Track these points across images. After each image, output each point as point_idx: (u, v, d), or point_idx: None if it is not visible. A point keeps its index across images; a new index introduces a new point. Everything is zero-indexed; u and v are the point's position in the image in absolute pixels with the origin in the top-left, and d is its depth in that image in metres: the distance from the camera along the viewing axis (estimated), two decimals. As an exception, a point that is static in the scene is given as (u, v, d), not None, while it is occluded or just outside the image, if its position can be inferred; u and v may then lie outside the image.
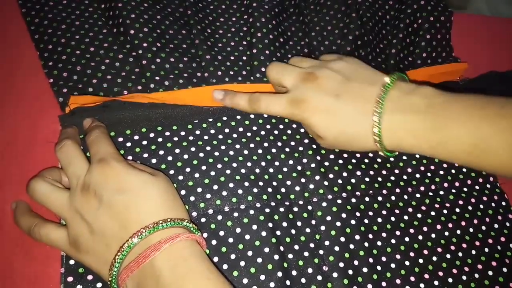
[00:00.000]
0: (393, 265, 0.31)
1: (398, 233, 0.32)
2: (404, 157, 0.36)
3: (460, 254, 0.33)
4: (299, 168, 0.33)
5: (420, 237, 0.33)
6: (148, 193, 0.26)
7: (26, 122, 0.34)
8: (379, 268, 0.31)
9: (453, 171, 0.37)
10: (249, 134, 0.34)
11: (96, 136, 0.29)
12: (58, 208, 0.27)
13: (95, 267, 0.26)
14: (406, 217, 0.33)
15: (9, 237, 0.30)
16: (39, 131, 0.34)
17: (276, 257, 0.29)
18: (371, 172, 0.34)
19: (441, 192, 0.35)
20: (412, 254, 0.32)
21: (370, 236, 0.32)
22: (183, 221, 0.26)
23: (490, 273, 0.32)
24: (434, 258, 0.32)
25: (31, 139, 0.33)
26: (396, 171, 0.35)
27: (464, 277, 0.32)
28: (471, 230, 0.34)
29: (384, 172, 0.35)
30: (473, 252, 0.33)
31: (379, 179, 0.34)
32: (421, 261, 0.32)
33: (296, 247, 0.30)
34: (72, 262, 0.28)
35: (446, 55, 0.43)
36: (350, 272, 0.30)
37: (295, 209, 0.32)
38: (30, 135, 0.34)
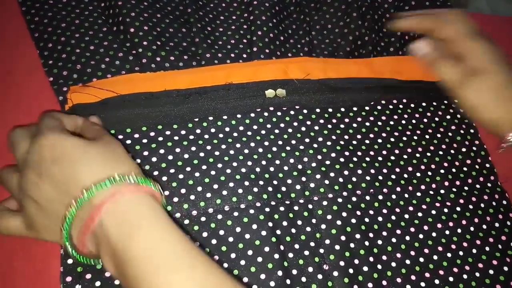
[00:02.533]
0: (393, 264, 0.31)
1: (399, 232, 0.32)
2: (405, 156, 0.36)
3: (461, 253, 0.33)
4: (299, 167, 0.33)
5: (421, 236, 0.32)
6: (85, 156, 0.25)
7: (26, 121, 0.34)
8: (379, 267, 0.31)
9: (453, 170, 0.36)
10: (249, 133, 0.34)
11: (42, 116, 0.29)
12: (12, 192, 0.27)
13: (58, 241, 0.26)
14: (407, 216, 0.33)
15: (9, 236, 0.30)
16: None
17: (276, 256, 0.29)
18: (372, 171, 0.34)
19: (442, 191, 0.35)
20: (412, 253, 0.32)
21: (371, 235, 0.32)
22: (127, 176, 0.25)
23: (491, 272, 0.32)
24: (435, 257, 0.32)
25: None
26: (397, 169, 0.35)
27: (465, 276, 0.32)
28: (472, 229, 0.34)
29: (385, 170, 0.35)
30: (474, 251, 0.33)
31: (380, 177, 0.34)
32: (422, 260, 0.32)
33: (297, 246, 0.30)
34: (70, 261, 0.28)
35: None
36: (351, 271, 0.30)
37: (296, 208, 0.32)
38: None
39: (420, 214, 0.33)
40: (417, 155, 0.36)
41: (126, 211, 0.24)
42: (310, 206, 0.32)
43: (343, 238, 0.31)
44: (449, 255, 0.32)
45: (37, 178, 0.25)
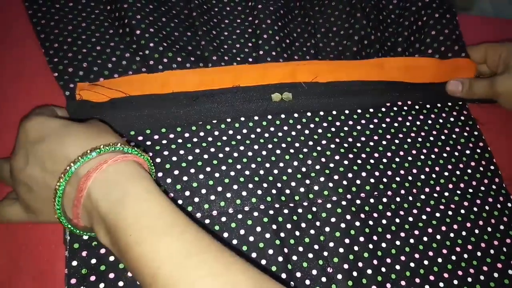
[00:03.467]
0: (397, 267, 0.31)
1: (403, 234, 0.32)
2: (410, 158, 0.36)
3: (465, 255, 0.32)
4: (303, 169, 0.33)
5: (425, 239, 0.32)
6: (69, 133, 0.25)
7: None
8: (383, 269, 0.31)
9: (458, 172, 0.36)
10: (253, 136, 0.34)
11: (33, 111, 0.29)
12: (6, 182, 0.28)
13: (56, 221, 0.26)
14: (411, 219, 0.33)
15: (15, 236, 0.30)
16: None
17: (280, 259, 0.29)
18: (377, 173, 0.34)
19: (446, 194, 0.35)
20: (417, 255, 0.32)
21: (375, 237, 0.31)
22: (112, 146, 0.25)
23: (496, 275, 0.32)
24: (439, 260, 0.32)
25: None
26: (402, 172, 0.35)
27: (469, 279, 0.32)
28: (476, 231, 0.34)
29: (389, 173, 0.35)
30: (479, 253, 0.33)
31: (385, 180, 0.34)
32: (426, 262, 0.31)
33: (301, 248, 0.30)
34: (74, 263, 0.28)
35: (458, 49, 0.42)
36: (355, 273, 0.30)
37: (300, 210, 0.32)
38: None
39: (424, 217, 0.33)
40: (422, 157, 0.36)
41: (112, 179, 0.24)
42: (314, 209, 0.32)
43: (347, 241, 0.31)
44: (453, 258, 0.32)
45: (24, 161, 0.25)
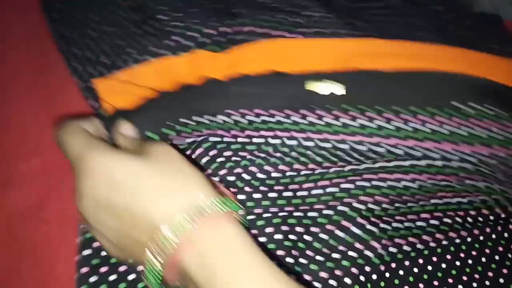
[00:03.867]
0: (401, 272, 0.31)
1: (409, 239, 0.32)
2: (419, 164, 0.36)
3: (470, 261, 0.32)
4: (317, 171, 0.33)
5: (431, 244, 0.32)
6: (147, 182, 0.23)
7: (35, 123, 0.34)
8: (387, 275, 0.30)
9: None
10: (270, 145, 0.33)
11: (60, 135, 0.26)
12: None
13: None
14: None
15: (17, 238, 0.30)
16: (48, 131, 0.34)
17: (289, 260, 0.29)
18: (391, 176, 0.34)
19: (453, 201, 0.35)
20: (421, 261, 0.31)
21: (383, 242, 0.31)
22: (201, 208, 0.22)
23: (501, 280, 0.32)
24: (444, 265, 0.32)
25: (40, 140, 0.33)
26: (413, 176, 0.35)
27: (474, 284, 0.31)
28: (481, 238, 0.34)
29: (407, 176, 0.34)
30: (483, 259, 0.33)
31: (404, 184, 0.33)
32: (430, 268, 0.31)
33: (310, 252, 0.30)
34: (86, 252, 0.27)
35: None
36: (362, 278, 0.30)
37: (311, 214, 0.31)
38: (38, 136, 0.34)
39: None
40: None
41: (205, 249, 0.22)
42: (326, 212, 0.31)
43: (357, 245, 0.30)
44: (458, 263, 0.32)
45: (93, 208, 0.23)
